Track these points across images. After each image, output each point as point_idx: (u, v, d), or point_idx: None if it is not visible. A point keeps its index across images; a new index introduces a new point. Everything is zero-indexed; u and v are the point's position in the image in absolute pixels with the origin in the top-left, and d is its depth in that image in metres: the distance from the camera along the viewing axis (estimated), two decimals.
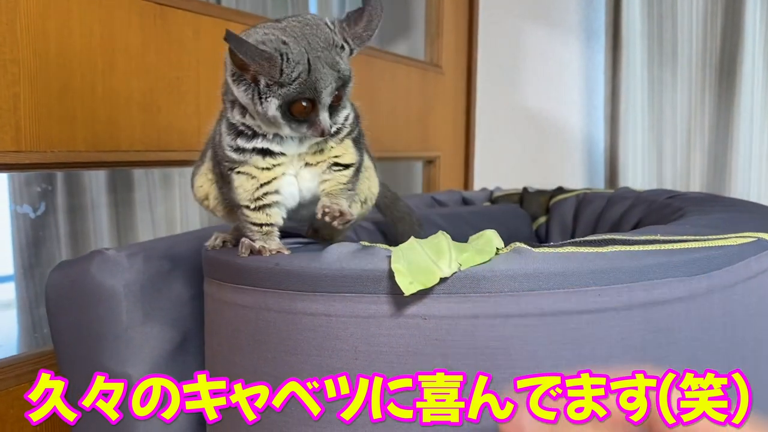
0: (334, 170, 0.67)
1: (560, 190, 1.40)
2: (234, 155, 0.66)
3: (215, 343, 0.71)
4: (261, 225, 0.67)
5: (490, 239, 0.59)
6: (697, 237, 0.64)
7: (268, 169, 0.66)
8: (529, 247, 0.59)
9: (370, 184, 0.74)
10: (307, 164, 0.67)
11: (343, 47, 0.64)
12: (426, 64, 1.92)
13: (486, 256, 0.56)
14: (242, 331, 0.65)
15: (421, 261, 0.56)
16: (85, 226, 1.73)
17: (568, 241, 0.62)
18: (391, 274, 0.55)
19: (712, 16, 1.73)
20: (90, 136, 1.00)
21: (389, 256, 0.58)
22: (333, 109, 0.64)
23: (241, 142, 0.65)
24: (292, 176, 0.67)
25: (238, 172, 0.66)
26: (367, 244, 0.67)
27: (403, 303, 0.56)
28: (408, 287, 0.53)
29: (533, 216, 1.40)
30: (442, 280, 0.55)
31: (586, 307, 0.56)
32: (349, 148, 0.68)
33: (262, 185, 0.66)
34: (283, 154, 0.66)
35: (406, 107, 1.79)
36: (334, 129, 0.65)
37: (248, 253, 0.66)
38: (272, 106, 0.60)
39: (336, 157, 0.67)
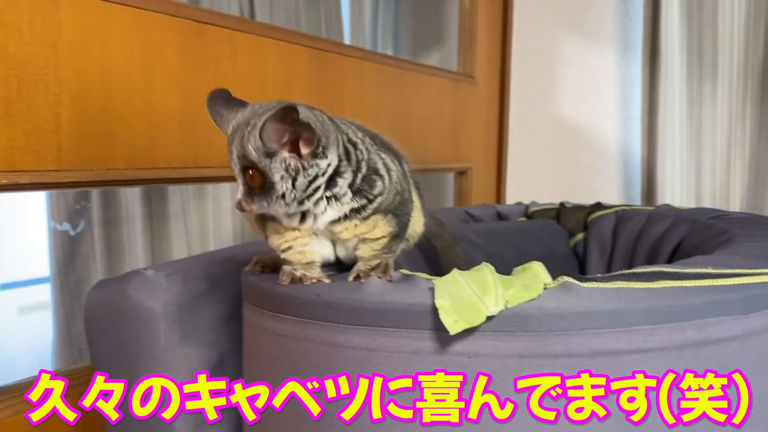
0: (366, 242, 0.66)
1: (599, 205, 1.38)
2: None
3: (254, 370, 0.71)
4: (291, 262, 0.67)
5: (537, 273, 0.58)
6: (752, 271, 0.62)
7: (295, 229, 0.65)
8: (578, 282, 0.57)
9: (415, 223, 0.73)
10: (335, 240, 0.67)
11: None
12: (458, 74, 1.90)
13: (533, 293, 0.55)
14: (282, 361, 0.64)
15: (465, 297, 0.55)
16: (120, 239, 1.75)
17: (616, 273, 0.61)
18: (434, 310, 0.54)
19: (755, 26, 1.69)
20: (128, 154, 1.00)
21: (432, 289, 0.57)
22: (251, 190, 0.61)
23: None
24: (325, 240, 0.67)
25: (271, 222, 0.66)
26: (407, 272, 0.66)
27: (448, 340, 0.55)
28: (453, 326, 0.52)
29: (571, 232, 1.38)
30: (489, 318, 0.53)
31: (636, 347, 0.54)
32: (378, 222, 0.65)
33: (287, 241, 0.66)
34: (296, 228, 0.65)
35: (438, 118, 1.78)
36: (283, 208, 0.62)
37: (289, 281, 0.65)
38: None
39: (363, 233, 0.66)
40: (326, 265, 0.69)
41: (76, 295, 1.69)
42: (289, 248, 0.66)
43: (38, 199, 1.72)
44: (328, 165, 0.61)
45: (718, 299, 0.56)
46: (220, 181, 1.12)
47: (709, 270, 0.62)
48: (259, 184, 0.60)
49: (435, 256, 1.01)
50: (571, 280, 0.58)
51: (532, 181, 2.06)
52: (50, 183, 0.91)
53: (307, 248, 0.66)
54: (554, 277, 0.58)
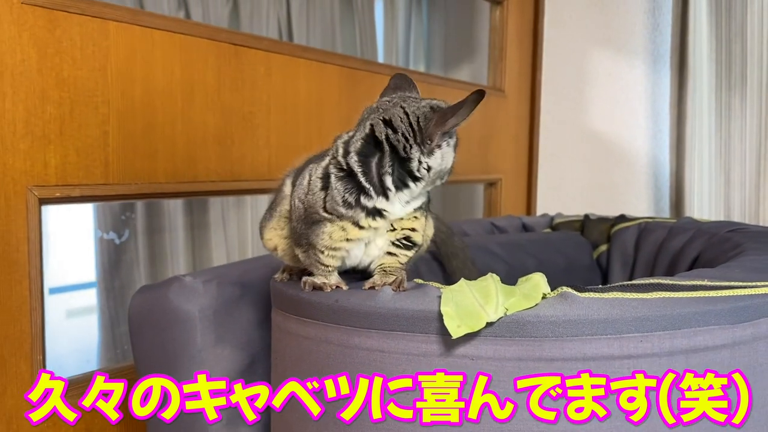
0: (402, 246, 0.72)
1: (622, 218, 1.40)
2: (343, 210, 0.69)
3: (280, 369, 0.77)
4: (327, 265, 0.72)
5: (537, 284, 0.62)
6: (745, 283, 0.65)
7: (362, 228, 0.70)
8: (575, 292, 0.61)
9: (426, 227, 0.78)
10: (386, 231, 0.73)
11: None
12: (488, 88, 1.95)
13: (532, 302, 0.60)
14: (305, 361, 0.70)
15: (468, 304, 0.59)
16: (163, 247, 1.84)
17: (615, 285, 0.65)
18: (440, 316, 0.59)
19: None
20: (170, 169, 1.08)
21: (440, 297, 0.62)
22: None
23: (362, 200, 0.69)
24: (365, 243, 0.72)
25: (333, 223, 0.71)
26: (421, 282, 0.72)
27: (452, 343, 0.60)
28: (455, 330, 0.57)
29: (594, 244, 1.41)
30: (489, 324, 0.58)
31: (627, 353, 0.58)
32: (421, 226, 0.73)
33: (348, 240, 0.71)
34: (387, 215, 0.70)
35: (467, 131, 1.81)
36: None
37: (311, 290, 0.71)
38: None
39: (411, 230, 0.72)
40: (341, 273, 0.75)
41: (120, 299, 1.78)
42: (339, 248, 0.71)
43: (86, 210, 1.82)
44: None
45: (707, 309, 0.60)
46: (254, 193, 1.19)
47: (705, 282, 0.65)
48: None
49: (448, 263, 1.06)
50: (569, 290, 0.62)
51: (562, 193, 2.09)
52: (98, 196, 0.99)
53: (347, 253, 0.72)
54: (575, 287, 0.63)
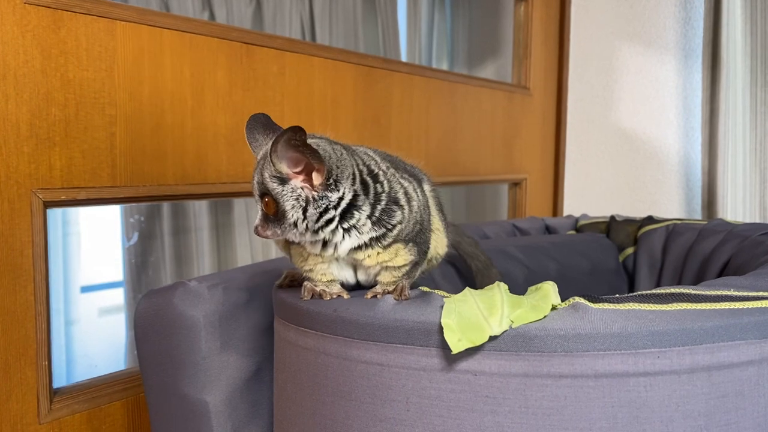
0: (388, 270, 0.68)
1: (650, 219, 1.35)
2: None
3: (281, 380, 0.74)
4: (315, 280, 0.69)
5: (546, 294, 0.58)
6: None
7: (315, 255, 0.68)
8: (588, 303, 0.57)
9: (437, 245, 0.75)
10: (356, 265, 0.69)
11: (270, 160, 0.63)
12: (512, 86, 1.90)
13: (540, 314, 0.56)
14: (303, 372, 0.67)
15: (472, 316, 0.56)
16: (189, 247, 1.83)
17: (633, 294, 0.60)
18: (441, 328, 0.56)
19: None
20: (179, 171, 1.06)
21: (442, 307, 0.58)
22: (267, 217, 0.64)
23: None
24: (346, 266, 0.69)
25: (295, 246, 0.69)
26: (426, 290, 0.68)
27: (454, 358, 0.56)
28: (456, 345, 0.54)
29: (620, 247, 1.36)
30: (492, 338, 0.54)
31: (643, 370, 0.54)
32: (399, 251, 0.67)
33: (309, 266, 0.68)
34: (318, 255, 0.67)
35: (491, 130, 1.78)
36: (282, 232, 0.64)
37: (310, 297, 0.68)
38: None
39: (386, 261, 0.67)
40: (347, 287, 0.72)
41: None
42: (311, 271, 0.68)
43: (114, 210, 1.83)
44: (340, 198, 0.63)
45: (731, 323, 0.55)
46: None
47: (731, 292, 0.61)
48: (273, 211, 0.63)
49: (471, 276, 1.02)
50: (581, 300, 0.58)
51: (590, 193, 2.03)
52: (105, 198, 0.97)
53: (327, 272, 0.69)
54: (599, 292, 0.59)
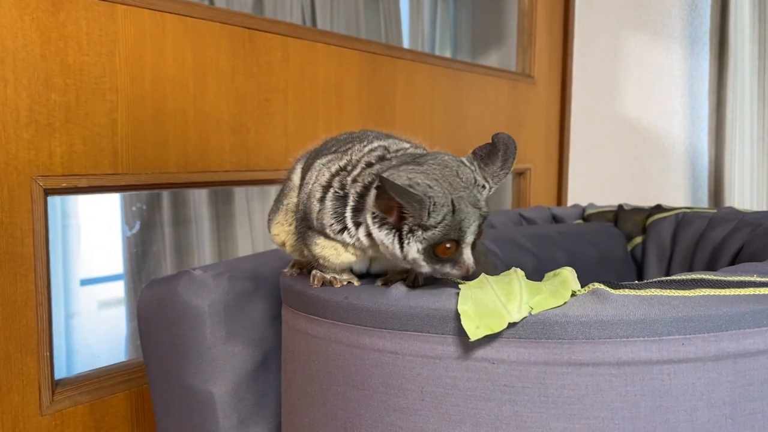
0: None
1: (659, 208, 1.33)
2: (331, 233, 0.64)
3: (290, 369, 0.72)
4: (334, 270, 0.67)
5: (566, 280, 0.56)
6: None
7: (350, 253, 0.65)
8: (609, 289, 0.55)
9: None
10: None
11: (483, 186, 0.61)
12: (516, 74, 1.88)
13: (560, 300, 0.54)
14: (313, 361, 0.65)
15: (489, 303, 0.54)
16: (189, 237, 1.81)
17: (654, 280, 0.58)
18: (458, 315, 0.54)
19: None
20: (181, 158, 1.04)
21: (458, 294, 0.56)
22: (473, 245, 0.61)
23: (348, 232, 0.64)
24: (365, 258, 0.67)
25: (327, 239, 0.66)
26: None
27: (471, 346, 0.54)
28: (474, 332, 0.52)
29: (629, 236, 1.34)
30: (511, 325, 0.53)
31: (667, 357, 0.52)
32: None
33: (340, 256, 0.66)
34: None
35: (494, 118, 1.76)
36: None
37: (320, 285, 0.66)
38: (413, 250, 0.58)
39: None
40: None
41: None
42: (326, 260, 0.66)
43: (113, 201, 1.81)
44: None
45: (758, 309, 0.53)
46: (271, 183, 1.14)
47: (754, 278, 0.59)
48: (479, 236, 0.62)
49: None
50: (602, 287, 0.56)
51: (595, 183, 2.01)
52: (107, 186, 0.95)
53: (348, 264, 0.66)
54: (608, 283, 0.57)
